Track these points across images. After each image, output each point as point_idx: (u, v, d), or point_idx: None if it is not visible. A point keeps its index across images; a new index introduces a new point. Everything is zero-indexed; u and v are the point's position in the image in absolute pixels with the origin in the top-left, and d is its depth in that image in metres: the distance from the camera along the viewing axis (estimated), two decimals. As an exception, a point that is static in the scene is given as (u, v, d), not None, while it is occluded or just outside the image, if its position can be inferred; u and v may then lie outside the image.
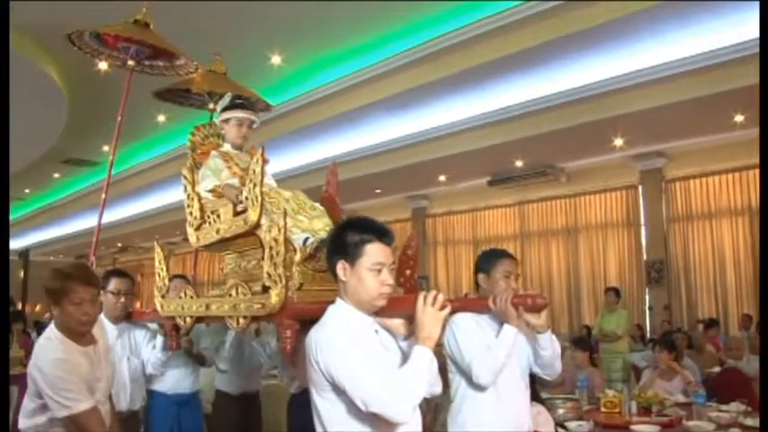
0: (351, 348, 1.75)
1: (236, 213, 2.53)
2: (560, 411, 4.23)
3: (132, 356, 3.36)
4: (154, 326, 3.41)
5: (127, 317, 3.36)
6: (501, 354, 2.43)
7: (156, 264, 3.07)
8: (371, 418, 1.74)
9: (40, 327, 8.53)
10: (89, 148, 11.15)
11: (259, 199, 2.34)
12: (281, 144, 8.91)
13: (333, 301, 1.94)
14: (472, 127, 8.41)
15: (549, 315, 8.99)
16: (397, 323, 1.99)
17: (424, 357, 1.77)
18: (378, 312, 1.92)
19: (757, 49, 5.59)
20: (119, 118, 4.21)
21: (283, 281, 2.16)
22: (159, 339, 3.29)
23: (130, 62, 4.23)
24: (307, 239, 2.37)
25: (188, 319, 2.77)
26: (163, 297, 2.97)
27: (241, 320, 2.38)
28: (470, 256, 12.31)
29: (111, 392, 2.90)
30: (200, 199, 2.81)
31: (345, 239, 1.88)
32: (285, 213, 2.25)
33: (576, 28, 6.07)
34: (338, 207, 2.57)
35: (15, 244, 19.62)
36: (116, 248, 19.87)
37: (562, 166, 10.31)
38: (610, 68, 6.89)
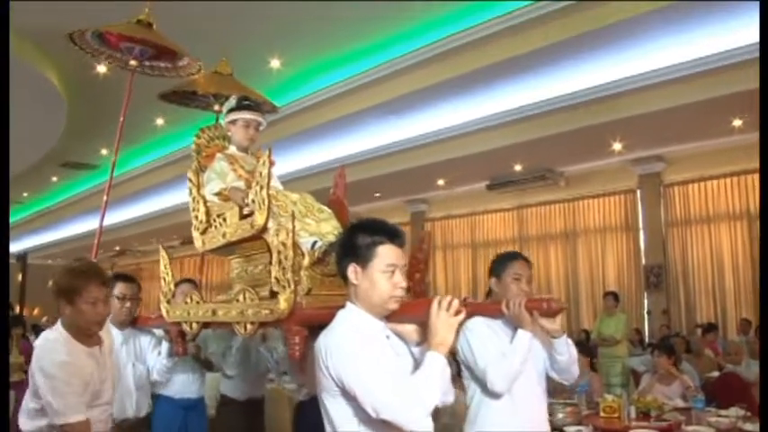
0: (361, 354, 1.71)
1: (243, 217, 2.49)
2: (559, 416, 4.24)
3: (137, 363, 3.29)
4: (159, 331, 3.36)
5: (132, 322, 3.31)
6: (516, 361, 2.37)
7: (162, 268, 3.03)
8: (383, 422, 1.69)
9: (38, 331, 8.49)
10: (88, 152, 11.14)
11: (266, 202, 2.29)
12: (279, 147, 8.89)
13: (342, 306, 1.89)
14: (471, 131, 8.42)
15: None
16: (410, 329, 1.94)
17: (437, 364, 1.73)
18: (389, 317, 1.88)
19: (755, 54, 5.63)
20: (121, 119, 4.19)
21: (292, 286, 2.12)
22: (165, 345, 3.23)
23: (132, 62, 4.21)
24: (315, 243, 2.33)
25: (194, 325, 2.73)
26: (168, 302, 2.92)
27: (248, 326, 2.34)
28: (469, 260, 12.33)
29: (115, 399, 2.89)
30: (205, 202, 2.76)
31: (356, 242, 1.83)
32: (293, 216, 2.21)
33: (572, 33, 6.08)
34: (346, 210, 2.54)
35: (13, 247, 19.57)
36: (114, 252, 19.85)
37: (561, 170, 10.32)
38: (607, 73, 6.89)
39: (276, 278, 2.16)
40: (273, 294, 2.20)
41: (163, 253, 3.06)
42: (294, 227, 2.17)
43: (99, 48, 4.30)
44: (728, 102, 6.76)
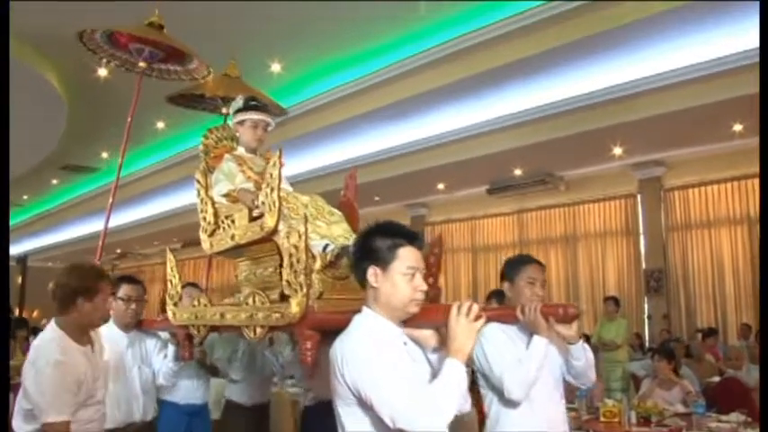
0: (377, 361, 1.66)
1: (252, 219, 2.45)
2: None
3: (143, 366, 3.23)
4: (164, 334, 3.31)
5: (137, 325, 3.27)
6: (532, 367, 2.32)
7: (168, 271, 2.98)
8: None
9: (37, 333, 8.47)
10: (88, 155, 11.16)
11: (277, 204, 2.26)
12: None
13: (358, 311, 1.84)
14: (471, 135, 8.42)
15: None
16: (427, 334, 1.89)
17: (455, 371, 1.68)
18: (406, 322, 1.84)
19: (755, 59, 5.64)
20: (128, 120, 4.18)
21: (304, 289, 2.07)
22: (171, 349, 3.18)
23: (141, 64, 4.19)
24: (326, 246, 2.29)
25: (202, 329, 2.67)
26: (175, 305, 2.87)
27: (258, 330, 2.29)
28: (469, 265, 12.31)
29: (122, 402, 2.96)
30: (213, 204, 2.72)
31: (376, 244, 1.79)
32: (306, 219, 2.17)
33: (568, 39, 6.11)
34: (357, 212, 2.51)
35: (13, 250, 19.57)
36: (115, 255, 19.84)
37: (561, 174, 10.32)
38: (608, 77, 6.90)
39: (288, 281, 2.12)
40: (284, 298, 2.16)
41: (170, 255, 3.01)
42: (307, 230, 2.12)
43: (107, 49, 4.27)
44: (728, 106, 6.77)
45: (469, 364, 2.21)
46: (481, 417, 2.79)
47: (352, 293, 2.10)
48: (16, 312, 14.45)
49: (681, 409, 4.60)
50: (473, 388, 2.44)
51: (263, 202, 2.33)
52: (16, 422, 2.40)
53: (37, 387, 2.27)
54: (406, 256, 1.78)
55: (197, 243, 2.87)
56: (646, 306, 9.81)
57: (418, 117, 8.22)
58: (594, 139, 8.11)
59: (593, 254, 10.65)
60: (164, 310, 3.00)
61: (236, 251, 2.63)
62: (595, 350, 7.53)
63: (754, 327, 8.15)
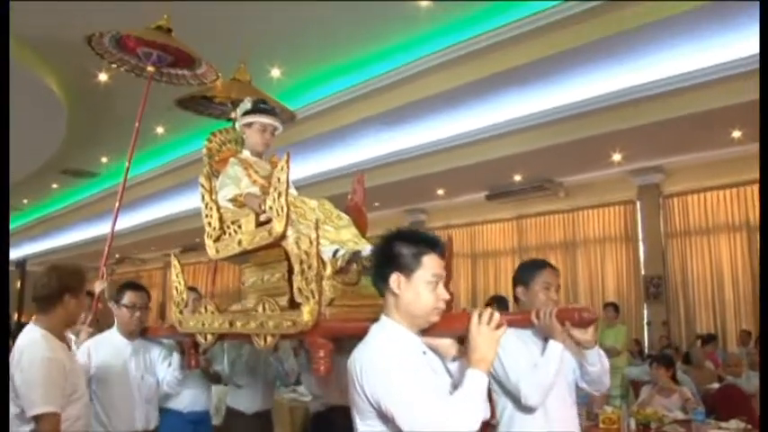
0: (397, 373, 1.62)
1: (259, 224, 2.39)
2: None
3: (147, 374, 3.19)
4: (168, 341, 3.27)
5: (141, 332, 3.23)
6: (550, 372, 2.28)
7: (174, 277, 2.92)
8: None
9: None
10: (88, 159, 11.17)
11: (285, 209, 2.20)
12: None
13: (373, 319, 1.80)
14: (470, 141, 8.43)
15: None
16: (446, 343, 1.85)
17: (478, 382, 1.64)
18: (425, 331, 1.79)
19: (754, 66, 5.66)
20: (136, 124, 4.18)
21: (316, 296, 2.01)
22: (176, 357, 3.14)
23: (150, 68, 4.16)
24: (336, 251, 2.24)
25: (209, 337, 2.61)
26: (181, 312, 2.81)
27: (269, 339, 2.23)
28: (468, 271, 12.29)
29: (124, 411, 3.00)
30: (218, 208, 2.66)
31: (400, 251, 1.75)
32: (318, 224, 2.12)
33: (569, 45, 6.12)
34: (365, 217, 2.47)
35: (12, 254, 19.55)
36: (114, 260, 19.83)
37: (560, 180, 10.32)
38: (607, 84, 6.92)
39: (299, 288, 2.07)
40: (293, 304, 2.11)
41: (175, 261, 2.95)
42: (319, 235, 2.08)
43: (115, 52, 4.25)
44: (727, 113, 6.78)
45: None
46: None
47: (363, 300, 2.06)
48: (15, 317, 14.40)
49: (680, 415, 4.59)
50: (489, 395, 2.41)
51: (270, 207, 2.28)
52: (11, 426, 2.40)
53: (26, 383, 2.30)
54: (431, 264, 1.75)
55: (195, 248, 2.85)
56: (645, 312, 9.80)
57: (417, 123, 8.23)
58: (593, 146, 8.12)
59: (593, 260, 10.64)
60: (163, 316, 2.96)
61: (242, 257, 2.58)
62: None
63: (754, 333, 8.13)
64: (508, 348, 2.37)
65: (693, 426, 4.19)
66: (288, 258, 2.25)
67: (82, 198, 13.96)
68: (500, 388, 2.47)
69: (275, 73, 7.39)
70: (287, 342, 3.51)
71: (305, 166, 9.70)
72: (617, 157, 8.72)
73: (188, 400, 3.64)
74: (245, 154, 2.83)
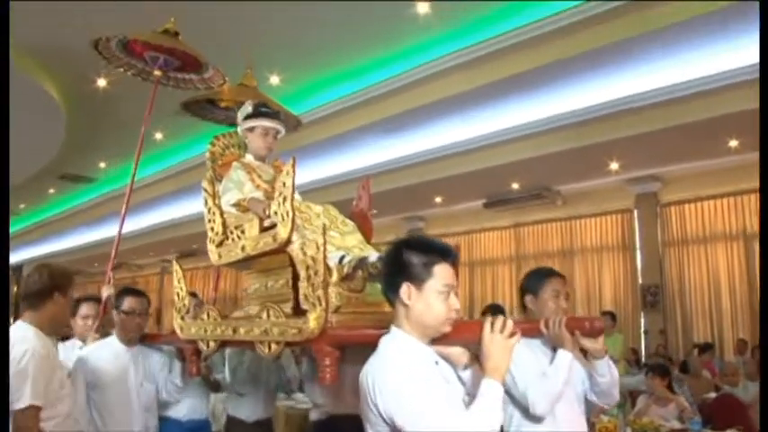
0: (410, 388, 1.58)
1: (263, 229, 2.36)
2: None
3: (146, 382, 3.14)
4: (167, 348, 3.22)
5: (140, 339, 3.18)
6: (559, 381, 2.25)
7: (175, 282, 2.88)
8: None
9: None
10: (86, 165, 11.16)
11: (290, 214, 2.17)
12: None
13: (381, 328, 1.76)
14: (468, 149, 8.44)
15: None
16: (458, 351, 1.82)
17: (493, 392, 1.62)
18: (437, 340, 1.76)
19: (753, 75, 5.68)
20: (142, 128, 4.17)
21: (323, 304, 1.97)
22: (177, 365, 3.10)
23: (157, 72, 4.14)
24: (343, 258, 2.20)
25: (211, 344, 2.56)
26: (182, 318, 2.77)
27: (273, 346, 2.19)
28: (465, 279, 12.28)
29: (123, 419, 2.98)
30: (222, 213, 2.61)
31: (410, 260, 1.71)
32: (324, 230, 2.08)
33: (566, 55, 6.15)
34: (370, 223, 2.45)
35: (10, 258, 19.50)
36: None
37: (558, 189, 10.33)
38: (605, 92, 6.94)
39: (305, 295, 2.02)
40: (297, 311, 2.07)
41: (176, 267, 2.92)
42: (326, 241, 2.04)
43: (121, 56, 4.21)
44: (725, 122, 6.80)
45: None
46: None
47: (368, 307, 2.04)
48: (12, 320, 14.37)
49: (677, 425, 4.58)
50: None
51: (275, 212, 2.24)
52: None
53: (15, 377, 2.29)
54: (442, 274, 1.71)
55: (194, 254, 2.84)
56: (642, 321, 9.79)
57: (415, 131, 8.24)
58: (591, 154, 8.14)
59: (590, 269, 10.65)
60: (159, 322, 2.95)
61: (245, 263, 2.55)
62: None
63: (751, 342, 8.13)
64: (516, 357, 2.35)
65: (690, 435, 4.18)
66: (292, 264, 2.23)
67: (79, 203, 13.95)
68: (508, 396, 2.42)
69: (274, 80, 7.40)
70: (287, 350, 3.49)
71: (304, 173, 9.69)
72: (614, 165, 8.73)
73: (187, 408, 3.59)
74: (249, 158, 2.81)
